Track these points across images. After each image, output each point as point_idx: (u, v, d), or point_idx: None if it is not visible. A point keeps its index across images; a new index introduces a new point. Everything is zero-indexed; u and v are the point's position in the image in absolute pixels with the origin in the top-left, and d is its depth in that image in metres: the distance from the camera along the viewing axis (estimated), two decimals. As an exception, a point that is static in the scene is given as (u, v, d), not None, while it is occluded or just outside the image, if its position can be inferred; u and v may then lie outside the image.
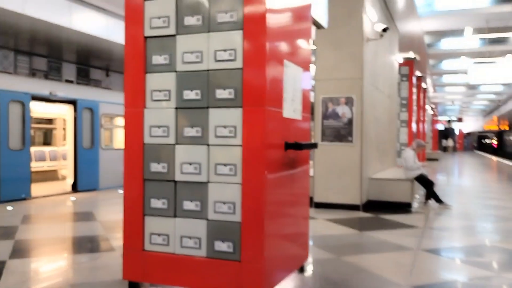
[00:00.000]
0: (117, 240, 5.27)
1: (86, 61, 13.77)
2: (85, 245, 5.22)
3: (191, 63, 3.28)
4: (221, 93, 3.19)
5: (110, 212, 7.60)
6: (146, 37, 3.40)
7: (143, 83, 3.41)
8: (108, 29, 10.74)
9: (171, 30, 3.33)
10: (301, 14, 3.89)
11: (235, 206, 3.15)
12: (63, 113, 12.16)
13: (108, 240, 5.30)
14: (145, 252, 3.40)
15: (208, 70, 3.23)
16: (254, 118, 3.09)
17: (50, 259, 4.59)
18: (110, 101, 11.03)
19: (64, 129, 12.98)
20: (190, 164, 3.27)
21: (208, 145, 3.23)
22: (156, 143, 3.38)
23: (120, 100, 11.49)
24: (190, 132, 3.28)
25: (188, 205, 3.29)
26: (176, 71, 3.32)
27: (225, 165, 3.18)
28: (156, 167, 3.38)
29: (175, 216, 3.33)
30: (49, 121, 13.35)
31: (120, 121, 12.38)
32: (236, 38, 3.14)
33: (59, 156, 12.24)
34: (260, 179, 3.07)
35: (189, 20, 3.28)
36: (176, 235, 3.33)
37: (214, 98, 3.21)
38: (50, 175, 11.99)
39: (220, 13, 3.19)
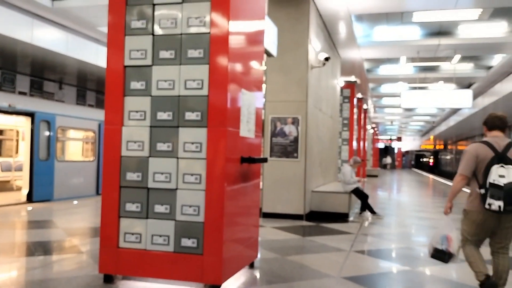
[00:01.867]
0: (85, 245, 5.73)
1: (40, 74, 13.89)
2: (54, 247, 5.64)
3: (164, 89, 3.94)
4: (190, 115, 3.87)
5: (71, 220, 7.93)
6: (125, 66, 4.02)
7: (122, 105, 4.02)
8: (67, 45, 11.08)
9: (148, 61, 3.98)
10: (255, 39, 4.63)
11: (199, 209, 3.82)
12: (16, 125, 12.25)
13: (77, 246, 5.73)
14: (119, 249, 3.97)
15: (179, 96, 3.91)
16: (217, 137, 3.79)
17: (25, 259, 4.99)
18: (65, 114, 11.30)
19: (17, 140, 13.01)
20: (162, 173, 3.91)
21: (177, 158, 3.89)
22: (132, 155, 3.99)
23: (74, 113, 11.79)
24: (162, 146, 3.93)
25: (159, 208, 3.92)
26: (151, 96, 3.97)
27: (191, 175, 3.85)
28: (131, 176, 3.98)
29: (147, 217, 3.94)
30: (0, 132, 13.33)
31: (73, 134, 12.62)
32: (203, 71, 3.85)
33: (12, 167, 12.27)
34: (221, 186, 3.76)
35: (164, 54, 3.95)
36: (147, 233, 3.93)
37: (183, 119, 3.89)
38: (3, 186, 11.98)
39: (190, 50, 3.89)
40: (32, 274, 4.42)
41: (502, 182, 3.53)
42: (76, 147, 12.97)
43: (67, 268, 4.61)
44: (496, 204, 3.53)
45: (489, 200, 3.57)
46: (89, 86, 16.34)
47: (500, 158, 3.66)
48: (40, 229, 6.97)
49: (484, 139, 3.90)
